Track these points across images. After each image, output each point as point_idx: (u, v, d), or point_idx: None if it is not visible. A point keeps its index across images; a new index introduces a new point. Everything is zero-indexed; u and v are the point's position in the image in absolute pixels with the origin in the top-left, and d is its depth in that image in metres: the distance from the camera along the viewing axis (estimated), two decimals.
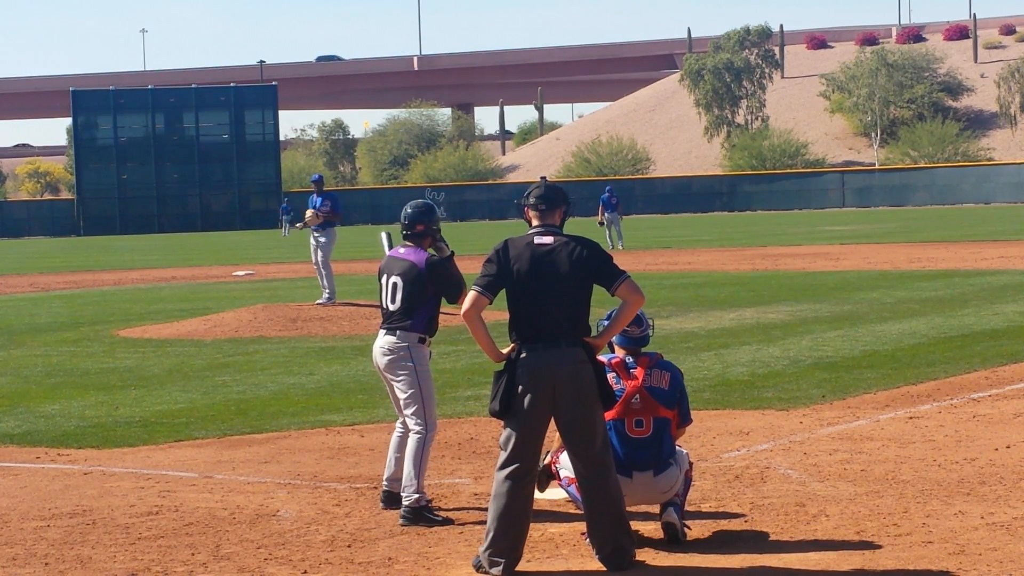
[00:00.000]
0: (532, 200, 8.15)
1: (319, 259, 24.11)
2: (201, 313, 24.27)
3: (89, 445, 12.30)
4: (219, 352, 18.92)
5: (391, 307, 9.45)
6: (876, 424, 12.24)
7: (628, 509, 8.17)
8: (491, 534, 7.90)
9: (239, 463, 11.31)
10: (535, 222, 8.13)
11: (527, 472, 7.93)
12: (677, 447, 8.77)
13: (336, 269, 25.45)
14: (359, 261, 42.02)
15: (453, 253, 9.53)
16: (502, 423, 7.99)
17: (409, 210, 9.66)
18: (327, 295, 23.79)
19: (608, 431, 8.46)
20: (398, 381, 9.41)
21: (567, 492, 8.79)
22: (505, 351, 7.98)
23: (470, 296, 8.01)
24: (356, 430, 12.71)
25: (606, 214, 45.13)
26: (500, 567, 7.84)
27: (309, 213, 24.09)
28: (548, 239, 8.01)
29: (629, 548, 7.99)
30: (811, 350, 17.28)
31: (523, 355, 7.88)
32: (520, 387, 7.86)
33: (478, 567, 7.94)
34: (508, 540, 7.87)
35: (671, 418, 8.64)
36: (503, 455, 7.95)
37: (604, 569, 7.94)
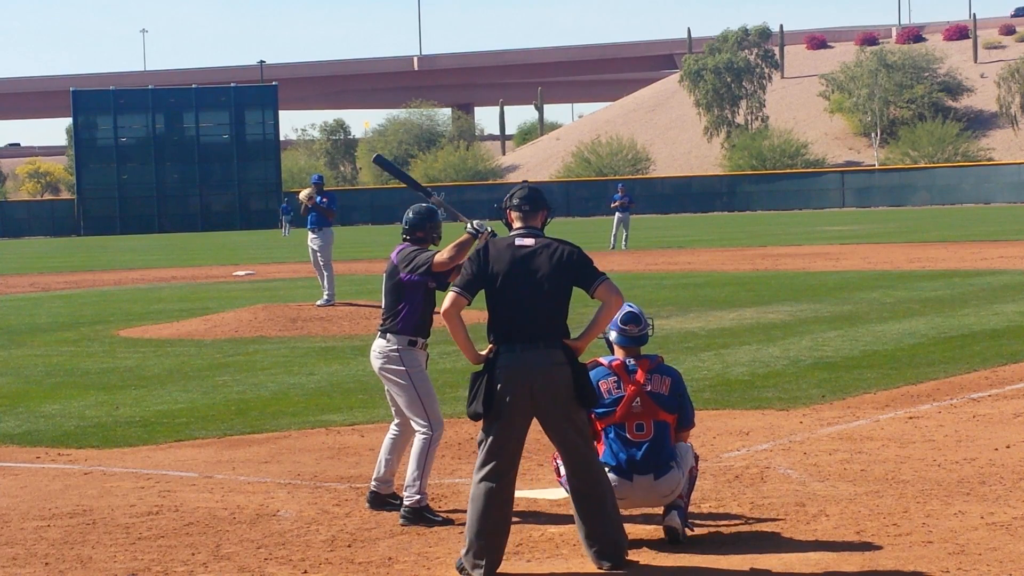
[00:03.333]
0: (515, 201, 8.10)
1: (319, 261, 24.12)
2: (201, 313, 24.27)
3: (89, 445, 12.31)
4: (219, 352, 18.92)
5: (382, 309, 9.45)
6: (876, 424, 12.24)
7: (628, 513, 8.14)
8: (470, 537, 7.86)
9: (239, 463, 11.31)
10: (517, 224, 8.10)
11: (504, 474, 7.86)
12: (682, 442, 8.74)
13: (336, 269, 25.45)
14: (359, 261, 42.03)
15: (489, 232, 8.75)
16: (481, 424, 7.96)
17: (411, 215, 9.54)
18: (326, 296, 23.77)
19: (609, 434, 8.46)
20: (392, 386, 9.36)
21: (567, 489, 8.76)
22: (483, 352, 7.96)
23: (449, 296, 7.97)
24: (356, 430, 12.71)
25: (617, 213, 45.10)
26: (481, 570, 7.81)
27: (304, 193, 24.20)
28: (529, 241, 7.97)
29: (622, 544, 7.96)
30: (811, 350, 17.28)
31: (501, 356, 7.86)
32: (498, 388, 7.82)
33: (461, 569, 7.90)
34: (487, 542, 7.81)
35: (671, 421, 8.63)
36: (479, 457, 7.91)
37: (604, 570, 7.93)
